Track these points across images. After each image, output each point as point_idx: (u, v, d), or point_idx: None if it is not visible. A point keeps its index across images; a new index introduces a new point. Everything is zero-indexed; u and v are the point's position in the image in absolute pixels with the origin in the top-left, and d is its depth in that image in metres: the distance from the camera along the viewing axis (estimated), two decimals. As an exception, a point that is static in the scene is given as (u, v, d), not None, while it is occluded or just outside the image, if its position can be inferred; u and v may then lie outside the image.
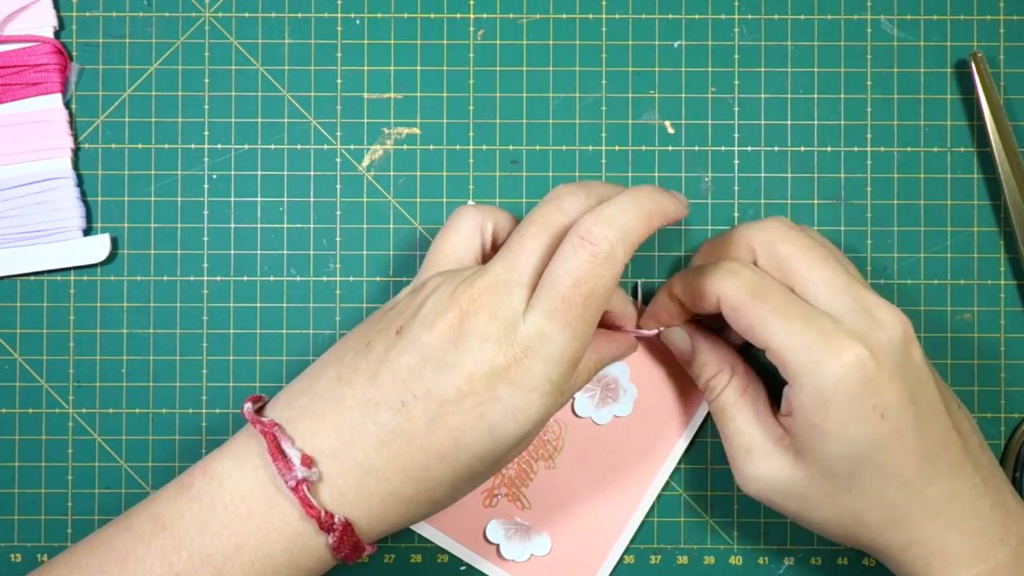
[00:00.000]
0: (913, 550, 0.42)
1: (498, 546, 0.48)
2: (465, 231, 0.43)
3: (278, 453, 0.39)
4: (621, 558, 0.48)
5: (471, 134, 0.49)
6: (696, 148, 0.49)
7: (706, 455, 0.49)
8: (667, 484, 0.49)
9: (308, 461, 0.39)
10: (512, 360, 0.38)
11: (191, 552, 0.39)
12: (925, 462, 0.41)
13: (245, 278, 0.49)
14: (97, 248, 0.48)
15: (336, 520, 0.39)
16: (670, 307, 0.45)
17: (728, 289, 0.42)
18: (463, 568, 0.49)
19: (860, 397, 0.40)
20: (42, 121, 0.48)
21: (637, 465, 0.48)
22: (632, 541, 0.48)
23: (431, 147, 0.49)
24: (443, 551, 0.49)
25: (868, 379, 0.40)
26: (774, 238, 0.43)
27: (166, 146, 0.49)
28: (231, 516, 0.39)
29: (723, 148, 0.49)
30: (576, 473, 0.48)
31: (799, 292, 0.42)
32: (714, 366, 0.45)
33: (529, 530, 0.48)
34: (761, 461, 0.43)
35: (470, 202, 0.43)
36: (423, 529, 0.48)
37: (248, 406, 0.41)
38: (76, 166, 0.49)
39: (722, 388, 0.45)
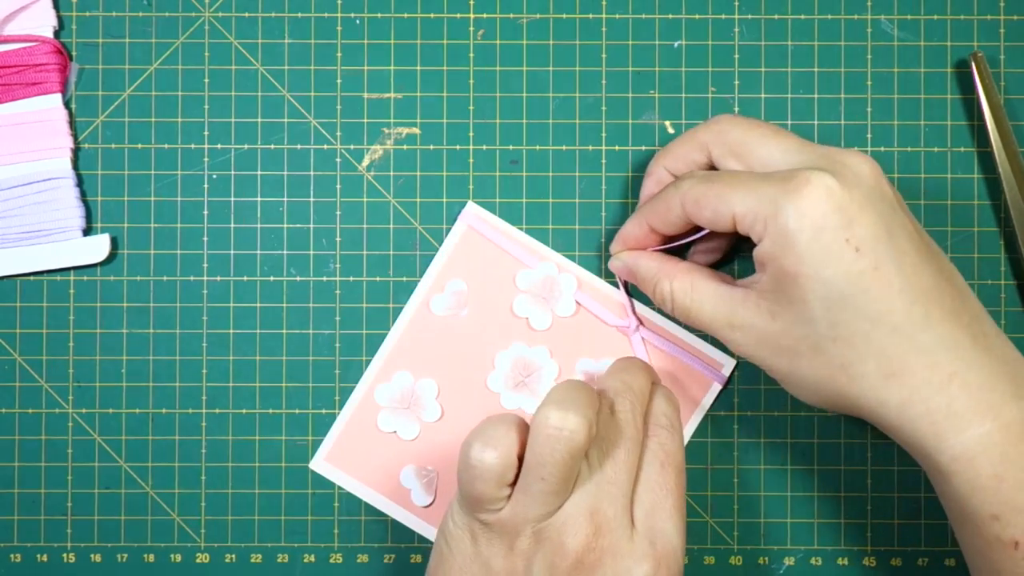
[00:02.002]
0: (913, 408, 0.39)
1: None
2: (495, 474, 0.39)
3: None
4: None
5: (471, 134, 0.49)
6: (696, 148, 0.49)
7: (706, 455, 0.49)
8: (667, 484, 0.49)
9: None
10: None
11: None
12: (915, 304, 0.38)
13: (245, 278, 0.49)
14: (97, 248, 0.48)
15: None
16: (638, 232, 0.45)
17: (684, 187, 0.42)
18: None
19: (830, 229, 0.38)
20: (42, 121, 0.48)
21: None
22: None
23: (431, 147, 0.49)
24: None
25: (836, 208, 0.38)
26: (722, 127, 0.43)
27: (166, 146, 0.49)
28: None
29: (723, 148, 0.49)
30: None
31: (758, 169, 0.41)
32: (652, 274, 0.44)
33: None
34: (744, 327, 0.41)
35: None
36: (422, 527, 0.48)
37: None
38: (76, 166, 0.49)
39: (672, 291, 0.44)
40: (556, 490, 0.39)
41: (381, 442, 0.48)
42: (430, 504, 0.48)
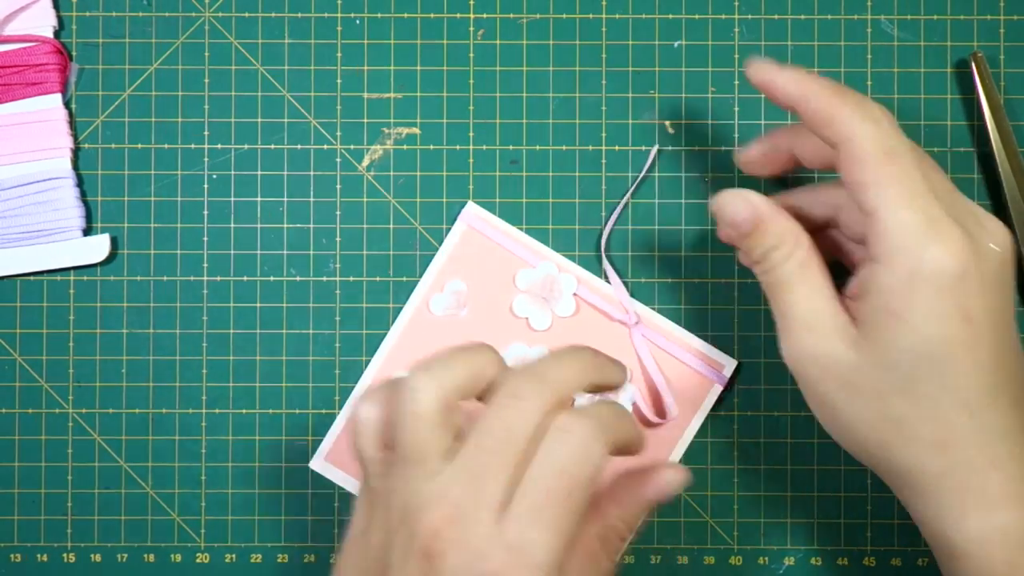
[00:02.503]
0: (949, 480, 0.38)
1: None
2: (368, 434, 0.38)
3: None
4: (636, 556, 0.48)
5: (471, 134, 0.49)
6: (696, 148, 0.49)
7: (706, 455, 0.49)
8: (667, 484, 0.49)
9: None
10: None
11: None
12: (991, 387, 0.38)
13: (245, 278, 0.49)
14: (97, 248, 0.48)
15: None
16: (780, 147, 0.43)
17: (865, 134, 0.38)
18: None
19: (951, 292, 0.37)
20: (42, 121, 0.48)
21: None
22: (642, 540, 0.48)
23: (431, 147, 0.49)
24: (443, 551, 0.49)
25: (965, 275, 0.37)
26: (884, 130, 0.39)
27: (166, 146, 0.49)
28: None
29: (723, 148, 0.49)
30: None
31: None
32: (777, 235, 0.40)
33: None
34: (819, 337, 0.39)
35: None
36: None
37: None
38: (76, 166, 0.49)
39: (785, 259, 0.40)
40: (409, 458, 0.36)
41: None
42: None
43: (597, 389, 0.40)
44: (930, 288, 0.37)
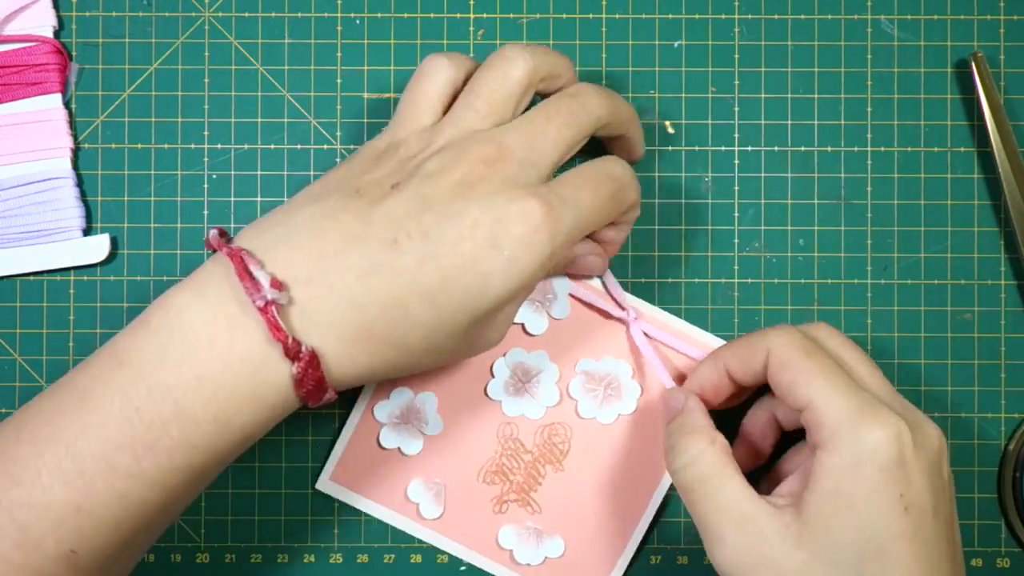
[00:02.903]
0: None
1: (511, 551, 0.48)
2: (439, 82, 0.42)
3: (245, 274, 0.37)
4: (636, 555, 0.48)
5: (471, 134, 0.49)
6: (696, 148, 0.49)
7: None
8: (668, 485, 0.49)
9: (278, 284, 0.37)
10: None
11: (150, 386, 0.37)
12: None
13: (245, 278, 0.49)
14: (97, 248, 0.48)
15: (303, 349, 0.37)
16: (713, 375, 0.45)
17: (780, 343, 0.42)
18: (463, 568, 0.49)
19: (891, 475, 0.38)
20: (42, 121, 0.48)
21: (645, 462, 0.48)
22: (646, 539, 0.48)
23: (431, 147, 0.49)
24: (442, 552, 0.49)
25: (902, 461, 0.39)
26: (820, 335, 0.43)
27: (166, 146, 0.49)
28: (191, 346, 0.37)
29: (723, 148, 0.49)
30: (585, 474, 0.48)
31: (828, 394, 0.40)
32: (697, 421, 0.43)
33: (541, 533, 0.48)
34: (759, 539, 0.39)
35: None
36: (435, 539, 0.48)
37: (214, 232, 0.39)
38: (76, 166, 0.49)
39: (702, 453, 0.41)
40: (483, 114, 0.40)
41: (385, 459, 0.48)
42: (439, 516, 0.48)
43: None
44: (873, 468, 0.38)
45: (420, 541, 0.49)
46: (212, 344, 0.37)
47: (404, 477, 0.48)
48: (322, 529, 0.49)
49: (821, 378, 0.40)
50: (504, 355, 0.48)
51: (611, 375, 0.48)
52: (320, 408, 0.45)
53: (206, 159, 0.49)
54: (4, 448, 0.38)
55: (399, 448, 0.48)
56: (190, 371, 0.37)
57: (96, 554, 0.37)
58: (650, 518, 0.48)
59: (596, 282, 0.48)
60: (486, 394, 0.48)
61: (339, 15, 0.49)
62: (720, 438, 0.42)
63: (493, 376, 0.48)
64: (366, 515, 0.49)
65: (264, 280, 0.37)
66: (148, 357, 0.37)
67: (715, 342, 0.48)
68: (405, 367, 0.40)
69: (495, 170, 0.39)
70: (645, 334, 0.48)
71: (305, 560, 0.49)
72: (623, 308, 0.48)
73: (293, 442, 0.49)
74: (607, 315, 0.48)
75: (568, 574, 0.48)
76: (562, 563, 0.48)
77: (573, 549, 0.48)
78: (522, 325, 0.48)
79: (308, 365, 0.37)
